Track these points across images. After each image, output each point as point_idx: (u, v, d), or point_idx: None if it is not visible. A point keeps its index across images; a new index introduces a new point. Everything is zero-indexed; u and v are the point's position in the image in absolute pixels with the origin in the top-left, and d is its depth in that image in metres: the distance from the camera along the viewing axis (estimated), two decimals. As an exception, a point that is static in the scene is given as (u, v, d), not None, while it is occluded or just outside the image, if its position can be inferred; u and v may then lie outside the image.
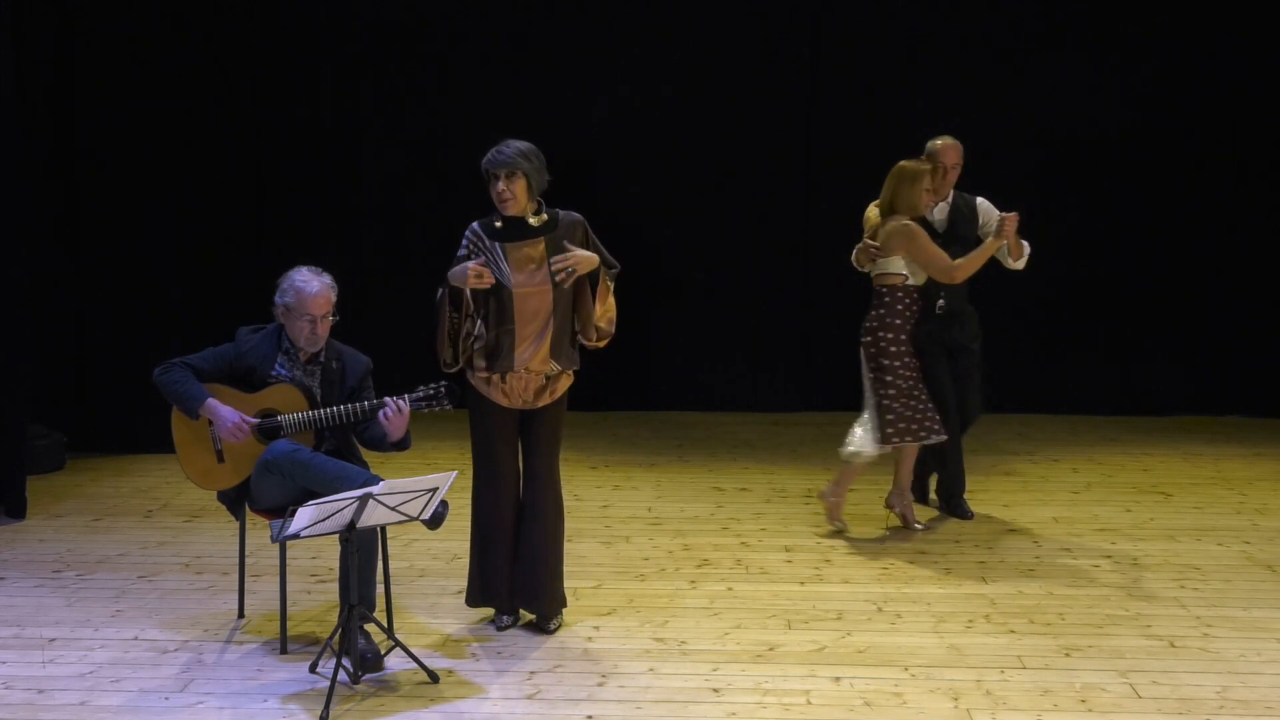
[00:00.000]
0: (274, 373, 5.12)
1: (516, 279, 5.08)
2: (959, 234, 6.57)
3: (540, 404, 5.19)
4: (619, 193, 9.27)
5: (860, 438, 6.44)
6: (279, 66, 9.21)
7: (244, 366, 5.13)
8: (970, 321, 6.83)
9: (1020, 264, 6.63)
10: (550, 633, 5.24)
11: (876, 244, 6.41)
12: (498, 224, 5.12)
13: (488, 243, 5.11)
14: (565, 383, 5.24)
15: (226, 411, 5.00)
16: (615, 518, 6.89)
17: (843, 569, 6.06)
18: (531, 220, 5.11)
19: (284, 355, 5.14)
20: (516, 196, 5.05)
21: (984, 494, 7.34)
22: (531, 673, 4.87)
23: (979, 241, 6.56)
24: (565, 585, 5.38)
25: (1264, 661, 4.98)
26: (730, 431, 8.89)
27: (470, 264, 5.03)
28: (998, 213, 6.52)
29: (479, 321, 5.12)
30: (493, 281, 5.03)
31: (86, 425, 8.13)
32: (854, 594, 5.72)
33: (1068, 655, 5.03)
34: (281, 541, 4.77)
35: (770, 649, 5.10)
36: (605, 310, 5.21)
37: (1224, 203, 9.31)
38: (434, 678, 4.77)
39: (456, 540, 6.35)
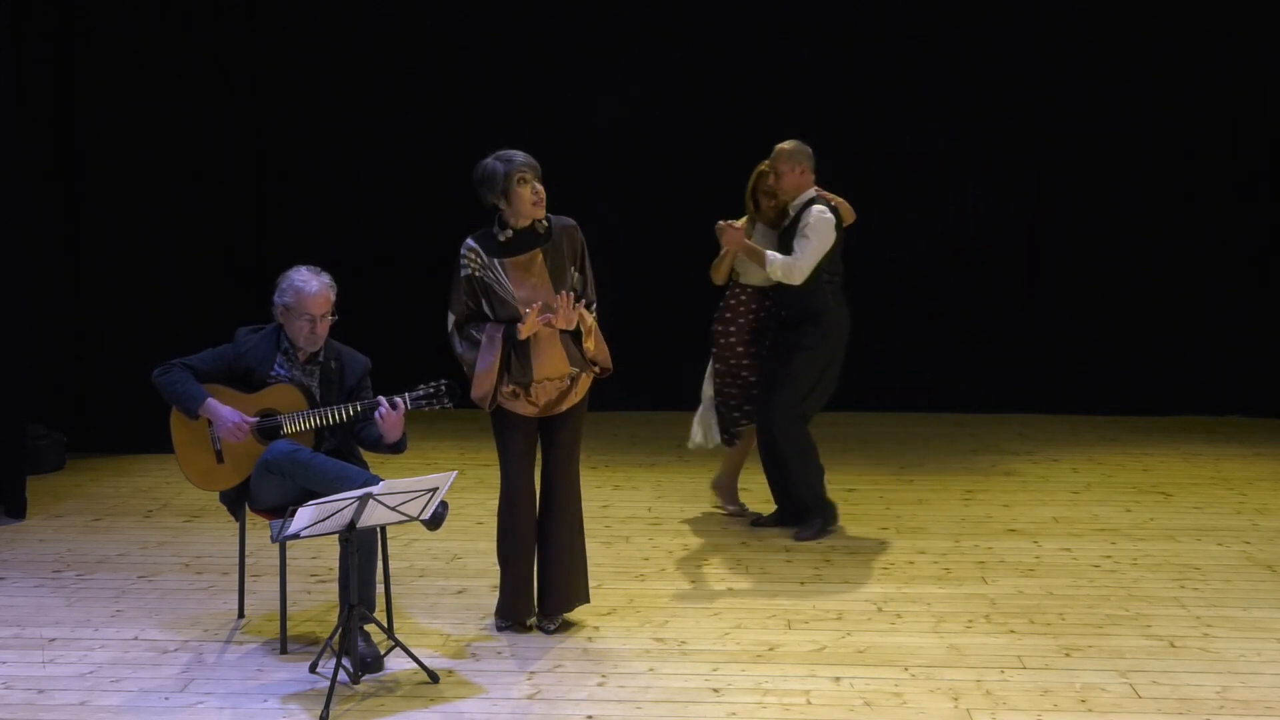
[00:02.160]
0: (273, 373, 5.12)
1: (520, 295, 5.04)
2: (794, 237, 6.47)
3: (565, 407, 5.17)
4: (619, 193, 9.27)
5: (700, 431, 6.93)
6: (279, 66, 9.23)
7: (243, 367, 5.13)
8: (806, 334, 6.48)
9: (771, 272, 6.38)
10: (550, 633, 5.24)
11: None
12: (500, 238, 5.07)
13: (486, 259, 5.05)
14: (586, 382, 5.21)
15: (226, 411, 5.00)
16: (615, 518, 6.89)
17: (843, 569, 6.06)
18: (538, 227, 5.10)
19: (283, 355, 5.14)
20: (544, 199, 5.05)
21: (984, 494, 7.34)
22: (531, 673, 4.87)
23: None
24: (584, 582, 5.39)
25: (1264, 661, 4.98)
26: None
27: (532, 318, 4.95)
28: (811, 220, 6.39)
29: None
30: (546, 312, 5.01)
31: (86, 425, 8.13)
32: (854, 594, 5.72)
33: (1068, 655, 5.02)
34: (281, 541, 4.77)
35: (770, 649, 5.09)
36: (600, 351, 5.18)
37: (1224, 203, 9.31)
38: (434, 678, 4.77)
39: (456, 540, 6.37)
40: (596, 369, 5.24)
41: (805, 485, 6.53)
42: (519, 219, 5.04)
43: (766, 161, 6.62)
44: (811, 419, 6.57)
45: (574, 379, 5.14)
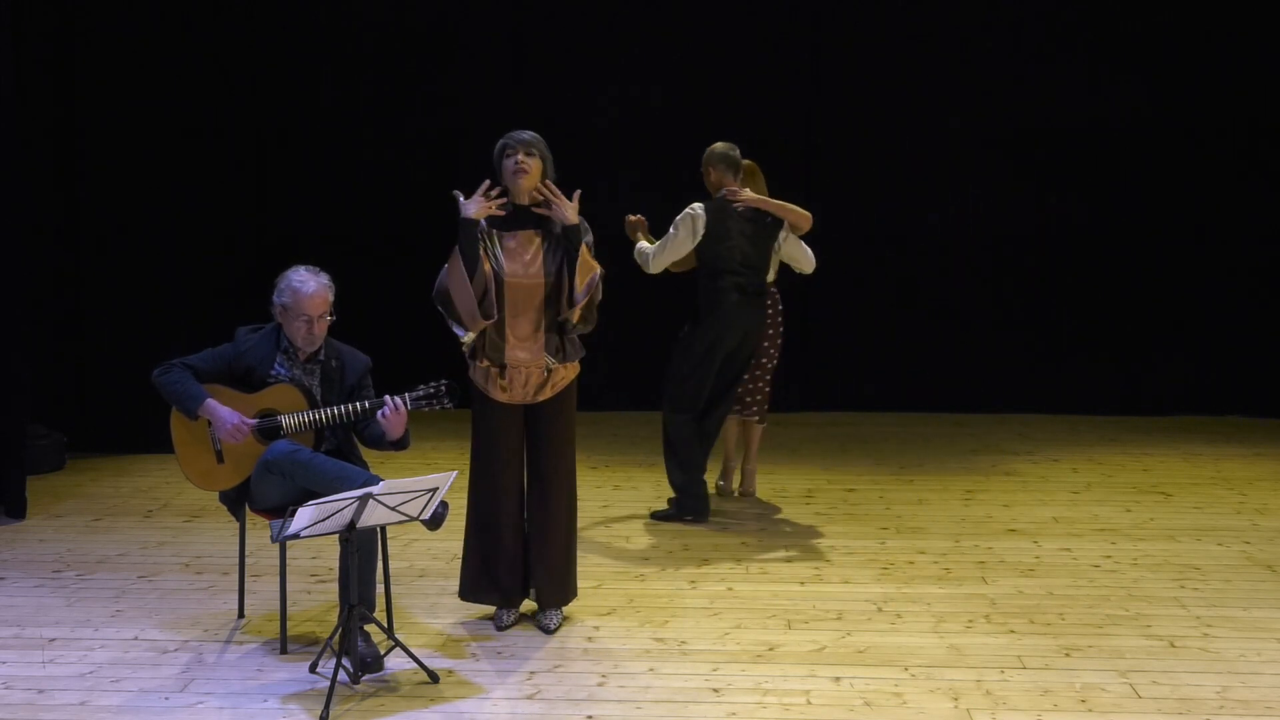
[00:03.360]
0: (273, 372, 5.12)
1: (510, 268, 5.08)
2: None
3: (542, 398, 5.18)
4: (619, 193, 9.26)
5: None
6: (279, 66, 9.23)
7: (243, 366, 5.13)
8: (686, 326, 6.89)
9: (637, 260, 6.84)
10: (550, 632, 5.24)
11: None
12: (500, 210, 5.11)
13: (485, 227, 5.10)
14: (568, 376, 5.21)
15: (225, 412, 5.00)
16: (615, 518, 6.89)
17: (843, 569, 6.06)
18: (535, 209, 5.12)
19: (283, 355, 5.14)
20: (531, 170, 5.06)
21: (984, 494, 7.34)
22: (531, 673, 4.87)
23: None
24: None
25: (1264, 661, 4.98)
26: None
27: (476, 195, 5.01)
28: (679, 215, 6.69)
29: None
30: (501, 196, 5.03)
31: (86, 425, 8.13)
32: (854, 594, 5.72)
33: (1068, 655, 5.02)
34: (281, 541, 4.77)
35: (770, 649, 5.09)
36: (580, 277, 5.08)
37: (1224, 202, 9.32)
38: (434, 678, 4.77)
39: (456, 540, 6.33)
40: (575, 314, 5.13)
41: (670, 472, 6.83)
42: (513, 195, 5.09)
43: (748, 162, 6.83)
44: (688, 411, 6.73)
45: (552, 370, 5.15)
